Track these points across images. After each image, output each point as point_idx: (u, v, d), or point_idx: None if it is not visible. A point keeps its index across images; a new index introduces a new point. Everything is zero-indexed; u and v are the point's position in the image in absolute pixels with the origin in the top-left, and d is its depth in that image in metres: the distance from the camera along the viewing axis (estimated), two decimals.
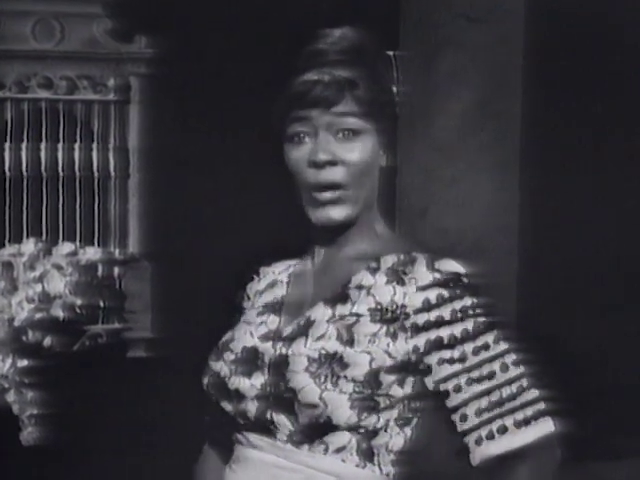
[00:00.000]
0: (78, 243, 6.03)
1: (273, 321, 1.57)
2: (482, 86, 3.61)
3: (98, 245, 6.22)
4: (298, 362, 1.47)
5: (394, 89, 1.57)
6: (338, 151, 1.51)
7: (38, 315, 5.38)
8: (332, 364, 1.46)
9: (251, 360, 1.52)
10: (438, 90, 3.62)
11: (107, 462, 4.60)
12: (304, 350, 1.48)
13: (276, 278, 1.64)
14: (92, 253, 5.83)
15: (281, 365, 1.48)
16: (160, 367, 5.46)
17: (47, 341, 5.35)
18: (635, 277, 5.15)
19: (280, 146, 1.55)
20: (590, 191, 5.13)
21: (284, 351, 1.50)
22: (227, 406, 1.52)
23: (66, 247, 5.75)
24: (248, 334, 1.57)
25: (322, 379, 1.45)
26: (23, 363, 5.34)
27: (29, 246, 5.71)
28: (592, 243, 5.09)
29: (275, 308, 1.59)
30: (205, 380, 1.55)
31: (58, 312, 5.40)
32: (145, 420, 4.85)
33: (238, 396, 1.51)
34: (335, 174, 1.51)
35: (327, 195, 1.52)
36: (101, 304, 5.67)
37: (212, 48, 5.99)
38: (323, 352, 1.47)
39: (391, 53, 1.57)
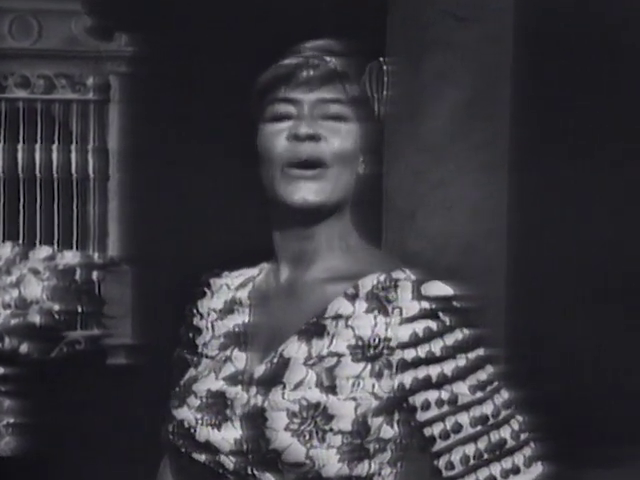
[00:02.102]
0: (56, 247, 5.96)
1: (239, 358, 1.41)
2: (471, 87, 3.57)
3: (76, 249, 6.15)
4: (277, 418, 1.33)
5: (383, 93, 1.46)
6: (322, 130, 1.40)
7: (14, 321, 5.30)
8: (315, 417, 1.32)
9: (218, 408, 1.38)
10: (426, 91, 3.57)
11: (87, 471, 4.54)
12: (282, 402, 1.34)
13: (234, 295, 1.47)
14: (70, 257, 5.74)
15: (257, 419, 1.35)
16: (141, 374, 5.39)
17: (24, 348, 5.28)
18: (630, 278, 5.11)
19: (255, 128, 1.43)
20: (580, 193, 5.09)
21: (259, 402, 1.36)
22: (199, 457, 1.38)
23: (43, 251, 5.67)
24: (212, 374, 1.42)
25: (307, 436, 1.32)
26: None
27: (5, 250, 5.62)
28: (583, 245, 5.05)
29: (239, 340, 1.43)
30: (169, 428, 1.40)
31: (35, 318, 5.32)
32: (125, 428, 4.79)
33: (210, 448, 1.37)
34: (316, 149, 1.39)
35: (305, 172, 1.38)
36: (79, 309, 5.60)
37: (194, 46, 5.92)
38: (304, 403, 1.33)
39: (380, 59, 1.48)
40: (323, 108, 1.41)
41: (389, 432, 1.37)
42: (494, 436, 1.36)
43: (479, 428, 1.36)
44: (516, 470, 1.36)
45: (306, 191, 1.39)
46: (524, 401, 1.41)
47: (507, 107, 3.58)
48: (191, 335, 1.51)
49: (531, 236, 4.57)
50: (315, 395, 1.34)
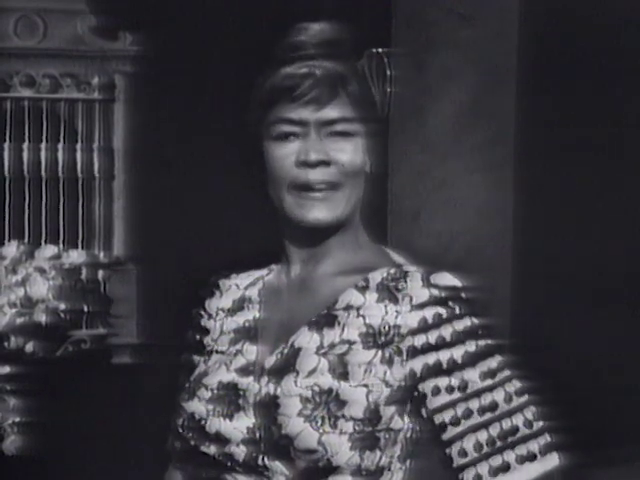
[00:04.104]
0: (61, 246, 5.97)
1: (250, 350, 1.43)
2: (475, 85, 3.57)
3: (82, 248, 6.15)
4: (290, 404, 1.35)
5: (386, 89, 1.45)
6: (330, 151, 1.41)
7: (20, 320, 5.31)
8: (328, 403, 1.34)
9: (231, 399, 1.40)
10: (430, 90, 3.57)
11: (91, 471, 4.54)
12: (295, 389, 1.36)
13: (243, 294, 1.49)
14: (76, 256, 5.75)
15: (270, 407, 1.36)
16: (146, 374, 5.39)
17: (29, 347, 5.28)
18: (637, 279, 5.10)
19: (258, 142, 1.43)
20: (587, 192, 5.07)
21: (272, 390, 1.37)
22: (208, 450, 1.40)
23: (49, 250, 5.68)
24: (223, 367, 1.43)
25: (319, 422, 1.33)
26: (4, 369, 5.27)
27: (11, 249, 5.63)
28: (590, 246, 5.04)
29: (250, 334, 1.45)
30: (179, 422, 1.42)
31: (41, 317, 5.33)
32: (131, 428, 4.79)
33: (220, 440, 1.39)
34: (327, 174, 1.40)
35: (316, 194, 1.40)
36: (85, 309, 5.60)
37: (199, 46, 5.92)
38: (316, 389, 1.35)
39: (380, 50, 1.46)
40: (331, 124, 1.41)
41: (399, 423, 1.38)
42: (506, 423, 1.36)
43: (490, 415, 1.36)
44: (532, 457, 1.36)
45: (318, 212, 1.41)
46: (537, 392, 1.41)
47: (512, 106, 3.57)
48: (198, 337, 1.52)
49: (537, 235, 4.56)
50: (327, 381, 1.36)
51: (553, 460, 1.37)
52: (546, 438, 1.38)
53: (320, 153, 1.40)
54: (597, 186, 5.05)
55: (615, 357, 4.81)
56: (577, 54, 4.90)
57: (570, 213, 5.05)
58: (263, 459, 1.36)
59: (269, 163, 1.42)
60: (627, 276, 5.10)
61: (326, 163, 1.40)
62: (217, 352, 1.47)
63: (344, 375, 1.36)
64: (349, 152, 1.42)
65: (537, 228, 4.57)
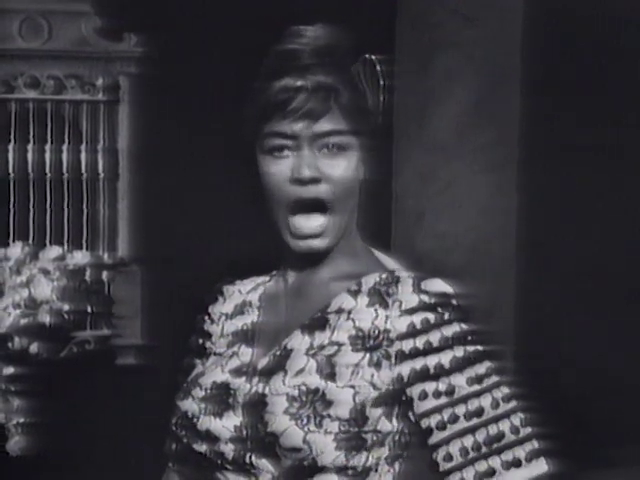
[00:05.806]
0: (66, 247, 5.95)
1: (245, 352, 1.48)
2: (479, 86, 3.58)
3: (86, 249, 6.13)
4: (277, 402, 1.38)
5: (380, 97, 1.46)
6: (323, 167, 1.44)
7: (24, 321, 5.29)
8: (314, 402, 1.37)
9: (221, 398, 1.44)
10: (434, 91, 3.58)
11: (95, 471, 4.54)
12: (283, 388, 1.39)
13: (245, 299, 1.54)
14: (80, 257, 5.73)
15: (257, 405, 1.40)
16: (150, 375, 5.39)
17: (33, 348, 5.27)
18: (637, 279, 5.09)
19: (252, 155, 1.47)
20: (590, 193, 5.08)
21: (260, 389, 1.41)
22: (200, 448, 1.44)
23: (53, 251, 5.66)
24: (218, 368, 1.48)
25: (304, 420, 1.37)
26: (9, 370, 5.26)
27: (15, 250, 5.61)
28: (593, 247, 5.04)
29: (247, 337, 1.50)
30: (173, 421, 1.47)
31: (45, 318, 5.32)
32: (134, 429, 4.79)
33: (210, 438, 1.43)
34: (319, 191, 1.44)
35: (310, 225, 1.44)
36: (89, 310, 5.58)
37: (204, 47, 5.92)
38: (303, 389, 1.38)
39: (373, 57, 1.46)
40: (324, 138, 1.44)
41: (388, 426, 1.40)
42: (492, 429, 1.38)
43: (476, 420, 1.38)
44: (517, 463, 1.38)
45: (312, 242, 1.45)
46: (525, 398, 1.42)
47: (516, 106, 3.59)
48: (201, 341, 1.57)
49: (541, 237, 4.56)
50: (315, 381, 1.38)
51: (540, 467, 1.39)
52: (533, 444, 1.39)
53: (313, 169, 1.43)
54: (598, 186, 5.05)
55: (615, 357, 4.80)
56: (581, 56, 4.90)
57: (574, 213, 5.05)
58: (250, 457, 1.40)
59: (264, 178, 1.46)
60: (627, 276, 5.10)
61: (318, 180, 1.43)
62: (215, 354, 1.50)
63: (331, 376, 1.38)
64: (342, 167, 1.44)
65: (540, 228, 4.57)
